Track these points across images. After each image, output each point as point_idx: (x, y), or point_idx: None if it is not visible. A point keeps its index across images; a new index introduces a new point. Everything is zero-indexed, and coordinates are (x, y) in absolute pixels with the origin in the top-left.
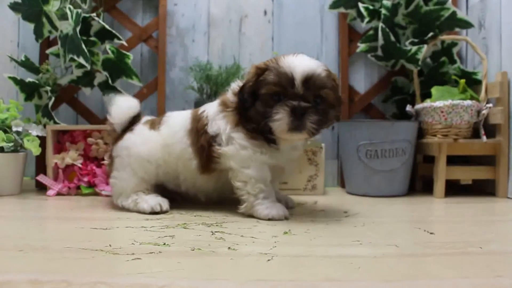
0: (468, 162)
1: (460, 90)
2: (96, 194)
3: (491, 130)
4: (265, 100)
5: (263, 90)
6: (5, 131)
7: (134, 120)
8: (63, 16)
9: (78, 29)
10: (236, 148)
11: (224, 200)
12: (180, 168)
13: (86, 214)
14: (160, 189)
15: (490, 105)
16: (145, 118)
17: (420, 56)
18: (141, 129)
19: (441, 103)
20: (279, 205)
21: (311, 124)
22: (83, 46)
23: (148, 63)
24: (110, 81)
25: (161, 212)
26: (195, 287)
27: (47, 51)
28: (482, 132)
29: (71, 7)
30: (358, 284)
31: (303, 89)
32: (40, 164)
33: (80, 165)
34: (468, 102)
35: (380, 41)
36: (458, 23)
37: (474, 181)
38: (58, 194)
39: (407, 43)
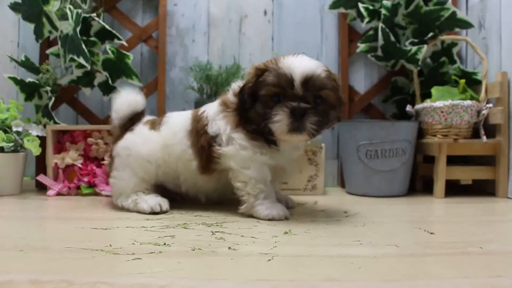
0: (468, 162)
1: (460, 90)
2: (96, 194)
3: (491, 130)
4: (264, 101)
5: (262, 91)
6: (5, 131)
7: (137, 117)
8: (63, 16)
9: (78, 29)
10: (236, 149)
11: (224, 201)
12: (181, 169)
13: (86, 214)
14: (160, 189)
15: (490, 105)
16: (146, 118)
17: (420, 56)
18: (141, 129)
19: (441, 103)
20: (279, 205)
21: (311, 125)
22: (83, 46)
23: (148, 63)
24: (110, 81)
25: (161, 212)
26: (195, 287)
27: (47, 51)
28: (482, 132)
29: (71, 7)
30: (358, 284)
31: (303, 90)
32: (40, 164)
33: (80, 165)
34: (468, 102)
35: (380, 41)
36: (458, 23)
37: (474, 181)
38: (58, 194)
39: (407, 43)
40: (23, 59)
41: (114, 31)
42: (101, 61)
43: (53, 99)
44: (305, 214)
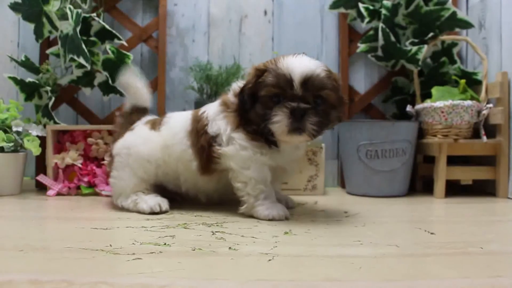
0: (468, 162)
1: (460, 90)
2: (96, 194)
3: (491, 130)
4: (264, 102)
5: (262, 92)
6: (5, 131)
7: (142, 111)
8: (63, 16)
9: (78, 29)
10: (236, 149)
11: (225, 201)
12: (181, 169)
13: (86, 214)
14: (160, 189)
15: (490, 105)
16: (146, 118)
17: (420, 56)
18: (141, 129)
19: (441, 103)
20: (279, 205)
21: (311, 126)
22: (83, 46)
23: (148, 63)
24: (110, 81)
25: (161, 212)
26: (195, 287)
27: (47, 51)
28: (483, 132)
29: (71, 7)
30: (358, 284)
31: (302, 90)
32: (40, 164)
33: (80, 165)
34: (469, 102)
35: (380, 41)
36: (458, 23)
37: (474, 181)
38: (58, 194)
39: (407, 43)
40: (23, 59)
41: (114, 31)
42: (101, 61)
43: (53, 99)
44: (305, 214)
